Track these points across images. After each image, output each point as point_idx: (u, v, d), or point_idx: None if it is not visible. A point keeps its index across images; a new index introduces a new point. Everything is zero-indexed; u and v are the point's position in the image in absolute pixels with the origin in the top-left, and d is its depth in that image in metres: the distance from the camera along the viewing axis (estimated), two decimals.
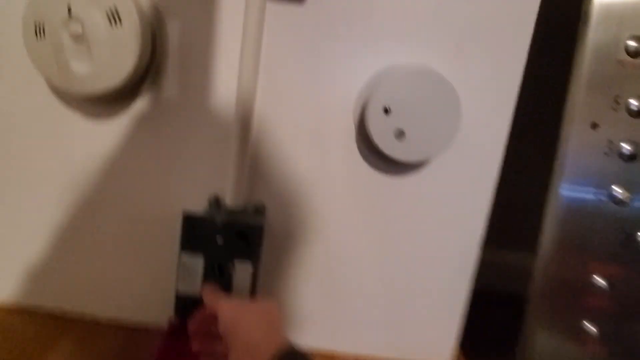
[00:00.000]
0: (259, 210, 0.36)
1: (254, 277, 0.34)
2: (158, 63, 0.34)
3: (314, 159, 0.37)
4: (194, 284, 0.34)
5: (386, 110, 0.32)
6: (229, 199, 0.35)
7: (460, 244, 0.39)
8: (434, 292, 0.40)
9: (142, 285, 0.39)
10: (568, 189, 0.34)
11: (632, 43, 0.31)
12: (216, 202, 0.36)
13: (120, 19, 0.30)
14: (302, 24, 0.34)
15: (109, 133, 0.36)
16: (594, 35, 0.31)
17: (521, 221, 0.41)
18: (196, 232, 0.33)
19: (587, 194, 0.34)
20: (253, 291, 0.34)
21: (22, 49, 0.31)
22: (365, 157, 0.36)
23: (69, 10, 0.29)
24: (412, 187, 0.37)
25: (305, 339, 0.39)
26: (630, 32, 0.31)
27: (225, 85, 0.34)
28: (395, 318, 0.41)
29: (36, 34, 0.30)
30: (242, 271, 0.34)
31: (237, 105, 0.33)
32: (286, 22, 0.34)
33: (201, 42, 0.34)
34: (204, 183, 0.36)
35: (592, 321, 0.35)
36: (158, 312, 0.37)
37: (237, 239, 0.33)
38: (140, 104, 0.35)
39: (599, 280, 0.35)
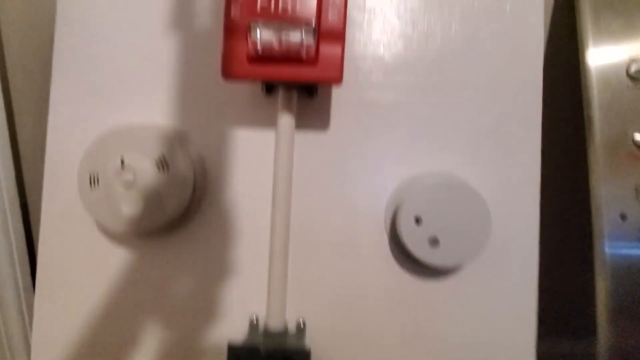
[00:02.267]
0: (300, 330, 0.36)
1: None
2: (199, 198, 0.37)
3: (349, 269, 0.37)
4: None
5: (417, 220, 0.33)
6: (270, 321, 0.35)
7: (513, 344, 0.37)
8: None
9: None
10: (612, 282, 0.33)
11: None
12: (257, 325, 0.35)
13: (167, 165, 0.33)
14: (327, 146, 0.37)
15: (150, 262, 0.37)
16: (601, 134, 0.34)
17: (574, 305, 0.39)
18: None
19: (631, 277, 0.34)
20: None
21: (75, 196, 0.34)
22: (401, 264, 0.37)
23: (122, 161, 0.33)
24: (452, 290, 0.37)
25: None
26: (636, 128, 0.33)
27: (260, 212, 0.36)
28: None
29: (90, 184, 0.33)
30: None
31: (273, 229, 0.35)
32: (313, 147, 0.37)
33: (236, 177, 0.37)
34: (243, 304, 0.37)
35: None
36: None
37: None
38: (180, 234, 0.37)
39: None
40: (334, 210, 0.37)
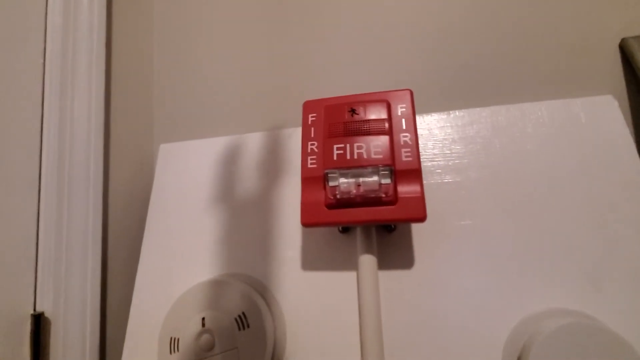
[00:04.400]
0: None
1: None
2: (279, 354, 0.33)
3: None
4: None
5: None
6: None
7: None
8: None
9: None
10: None
11: None
12: None
13: (248, 324, 0.31)
14: (414, 284, 0.33)
15: None
16: None
17: None
18: None
19: None
20: None
21: None
22: None
23: (203, 322, 0.31)
24: None
25: None
26: None
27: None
28: None
29: (170, 350, 0.32)
30: None
31: None
32: (397, 286, 0.33)
33: (319, 326, 0.33)
34: None
35: None
36: None
37: None
38: None
39: None
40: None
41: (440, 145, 0.37)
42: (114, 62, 0.44)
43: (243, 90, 0.46)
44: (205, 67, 0.48)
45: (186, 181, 0.42)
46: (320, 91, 0.43)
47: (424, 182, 0.34)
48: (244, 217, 0.39)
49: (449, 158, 0.36)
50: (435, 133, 0.37)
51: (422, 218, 0.29)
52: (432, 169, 0.36)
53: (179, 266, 0.39)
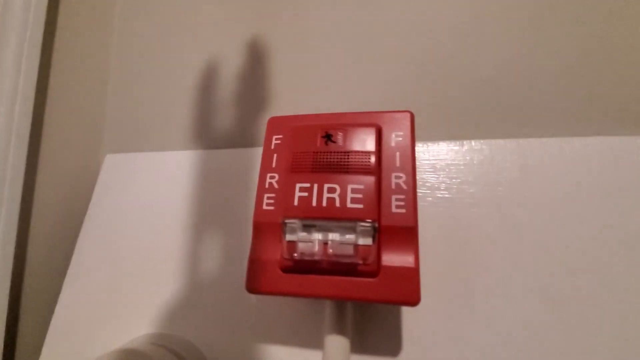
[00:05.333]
0: None
1: None
2: None
3: None
4: None
5: None
6: None
7: None
8: None
9: None
10: None
11: None
12: None
13: None
14: None
15: None
16: None
17: None
18: None
19: None
20: None
21: None
22: None
23: None
24: None
25: None
26: None
27: None
28: None
29: None
30: None
31: None
32: None
33: None
34: None
35: None
36: None
37: None
38: None
39: None
40: None
41: (447, 183, 0.28)
42: (56, 49, 0.36)
43: (210, 100, 0.37)
44: (170, 70, 0.40)
45: (129, 201, 0.34)
46: (297, 108, 0.34)
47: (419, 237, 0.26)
48: (191, 255, 0.31)
49: (459, 203, 0.27)
50: (442, 167, 0.28)
51: (413, 301, 0.20)
52: (435, 217, 0.27)
53: (100, 320, 0.30)
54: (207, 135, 0.36)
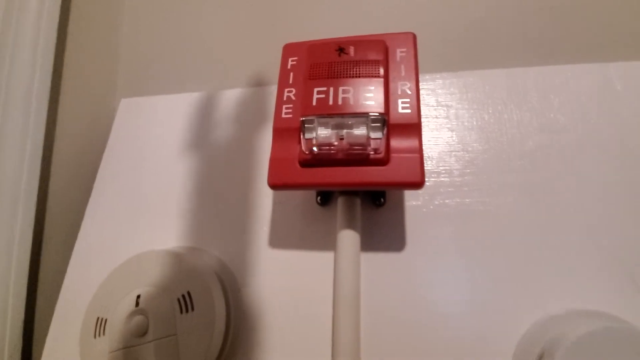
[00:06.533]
0: None
1: None
2: (231, 348, 0.27)
3: None
4: None
5: None
6: None
7: None
8: None
9: None
10: None
11: None
12: None
13: (193, 307, 0.24)
14: (403, 271, 0.27)
15: None
16: None
17: None
18: None
19: None
20: None
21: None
22: None
23: (137, 301, 0.25)
24: None
25: None
26: None
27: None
28: None
29: (95, 333, 0.25)
30: None
31: None
32: (384, 272, 0.27)
33: (284, 315, 0.27)
34: None
35: None
36: None
37: None
38: None
39: None
40: None
41: (445, 110, 0.31)
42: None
43: (222, 42, 0.40)
44: (183, 11, 0.42)
45: (145, 141, 0.36)
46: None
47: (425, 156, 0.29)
48: (206, 183, 0.33)
49: (454, 126, 0.30)
50: (439, 94, 0.31)
51: (418, 183, 0.23)
52: (434, 139, 0.30)
53: (124, 235, 0.32)
54: (220, 76, 0.38)
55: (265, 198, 0.31)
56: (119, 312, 0.25)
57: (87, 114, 0.38)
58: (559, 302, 0.25)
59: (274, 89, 0.35)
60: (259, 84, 0.37)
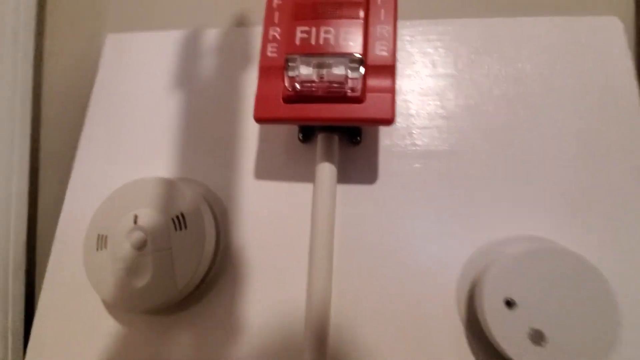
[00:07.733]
0: None
1: None
2: (221, 265, 0.30)
3: None
4: None
5: (509, 304, 0.24)
6: None
7: None
8: None
9: None
10: None
11: None
12: None
13: (186, 225, 0.27)
14: (375, 202, 0.30)
15: (158, 341, 0.29)
16: None
17: None
18: None
19: None
20: None
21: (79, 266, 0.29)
22: None
23: (135, 220, 0.28)
24: None
25: None
26: None
27: (295, 284, 0.29)
28: None
29: (97, 247, 0.28)
30: None
31: (309, 312, 0.26)
32: (357, 202, 0.30)
33: (267, 238, 0.30)
34: None
35: None
36: None
37: None
38: (196, 311, 0.30)
39: None
40: (387, 288, 0.28)
41: (420, 59, 0.33)
42: None
43: None
44: None
45: (135, 75, 0.37)
46: None
47: (398, 99, 0.31)
48: (195, 118, 0.35)
49: (428, 73, 0.33)
50: (417, 40, 0.33)
51: (389, 119, 0.25)
52: (409, 84, 0.32)
53: (118, 164, 0.34)
54: (207, 14, 0.38)
55: (250, 135, 0.33)
56: (119, 229, 0.28)
57: (75, 48, 0.39)
58: (505, 230, 0.29)
59: (259, 30, 0.36)
60: (246, 23, 0.38)
